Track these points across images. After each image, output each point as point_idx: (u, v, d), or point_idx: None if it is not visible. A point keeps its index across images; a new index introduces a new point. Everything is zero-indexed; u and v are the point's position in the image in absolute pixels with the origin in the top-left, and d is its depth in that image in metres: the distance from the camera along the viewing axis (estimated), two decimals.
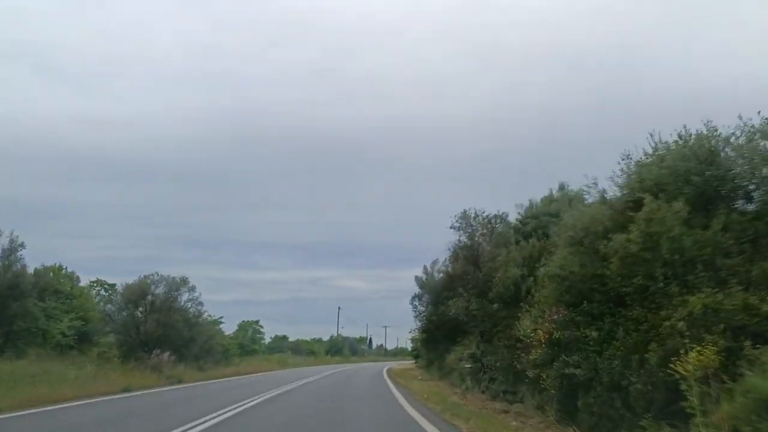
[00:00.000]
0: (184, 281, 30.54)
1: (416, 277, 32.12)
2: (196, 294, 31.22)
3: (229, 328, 53.38)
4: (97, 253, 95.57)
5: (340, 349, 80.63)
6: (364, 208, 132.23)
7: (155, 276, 30.00)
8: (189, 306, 31.03)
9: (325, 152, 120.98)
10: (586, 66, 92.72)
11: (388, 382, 28.87)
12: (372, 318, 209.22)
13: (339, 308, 75.83)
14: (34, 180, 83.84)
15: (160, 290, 30.23)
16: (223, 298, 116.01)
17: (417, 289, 31.90)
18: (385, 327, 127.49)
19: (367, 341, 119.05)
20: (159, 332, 28.21)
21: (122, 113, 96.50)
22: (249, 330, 63.60)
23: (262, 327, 66.49)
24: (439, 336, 28.08)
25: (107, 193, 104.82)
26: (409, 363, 53.61)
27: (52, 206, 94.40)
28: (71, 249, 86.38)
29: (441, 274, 28.60)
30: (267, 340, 69.90)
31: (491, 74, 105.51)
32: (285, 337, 72.49)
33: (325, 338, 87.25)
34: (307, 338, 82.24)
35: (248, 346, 55.03)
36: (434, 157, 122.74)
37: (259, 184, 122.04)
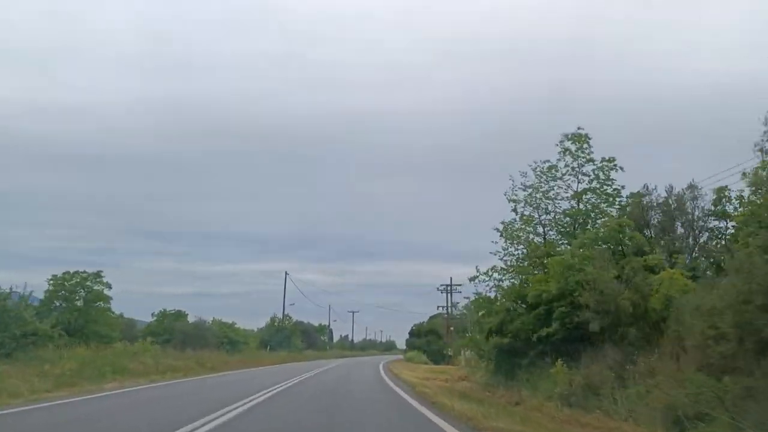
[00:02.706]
0: None
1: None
2: None
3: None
4: (46, 243, 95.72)
5: (286, 338, 61.69)
6: (323, 199, 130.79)
7: None
8: None
9: (282, 142, 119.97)
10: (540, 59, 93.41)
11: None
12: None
13: (286, 273, 59.94)
14: None
15: None
16: (180, 291, 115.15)
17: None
18: (353, 312, 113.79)
19: (328, 331, 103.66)
20: None
21: (70, 99, 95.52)
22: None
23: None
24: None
25: (56, 181, 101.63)
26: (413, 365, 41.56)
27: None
28: (18, 239, 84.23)
29: None
30: None
31: (449, 66, 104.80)
32: None
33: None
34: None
35: None
36: (393, 149, 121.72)
37: (215, 175, 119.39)
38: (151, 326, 43.23)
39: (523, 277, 17.98)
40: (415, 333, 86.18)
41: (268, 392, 16.64)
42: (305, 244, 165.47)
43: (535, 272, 17.94)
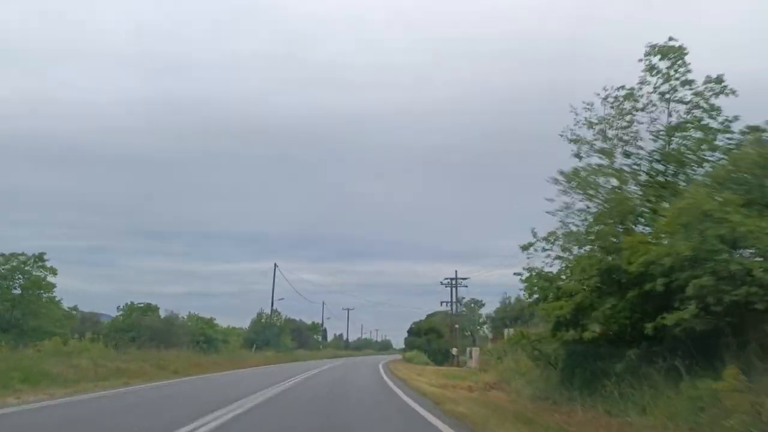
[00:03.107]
0: None
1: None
2: None
3: None
4: (44, 242, 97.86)
5: (275, 336, 55.15)
6: (320, 199, 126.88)
7: None
8: None
9: (280, 142, 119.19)
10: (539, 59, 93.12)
11: None
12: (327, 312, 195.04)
13: (275, 265, 53.79)
14: None
15: None
16: (175, 290, 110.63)
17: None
18: (348, 310, 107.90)
19: (321, 330, 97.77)
20: None
21: (64, 96, 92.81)
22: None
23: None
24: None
25: (54, 181, 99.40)
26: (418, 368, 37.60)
27: None
28: (14, 237, 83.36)
29: None
30: None
31: (446, 66, 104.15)
32: None
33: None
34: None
35: None
36: (391, 149, 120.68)
37: (213, 174, 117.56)
38: (116, 322, 37.33)
39: (606, 242, 12.02)
40: (415, 331, 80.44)
41: (221, 415, 10.73)
42: (302, 244, 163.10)
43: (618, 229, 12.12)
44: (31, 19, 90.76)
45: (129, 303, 36.79)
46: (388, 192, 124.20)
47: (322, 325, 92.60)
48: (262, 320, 51.14)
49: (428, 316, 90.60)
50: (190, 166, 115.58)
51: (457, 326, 57.79)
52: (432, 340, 77.51)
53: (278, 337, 51.33)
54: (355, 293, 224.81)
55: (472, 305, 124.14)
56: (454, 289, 57.92)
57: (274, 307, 53.95)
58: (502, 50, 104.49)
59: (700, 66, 14.08)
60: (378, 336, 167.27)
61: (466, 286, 57.43)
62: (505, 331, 35.42)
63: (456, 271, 57.78)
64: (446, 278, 57.82)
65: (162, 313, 38.30)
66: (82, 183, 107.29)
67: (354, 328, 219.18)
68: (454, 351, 57.42)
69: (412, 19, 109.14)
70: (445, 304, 58.92)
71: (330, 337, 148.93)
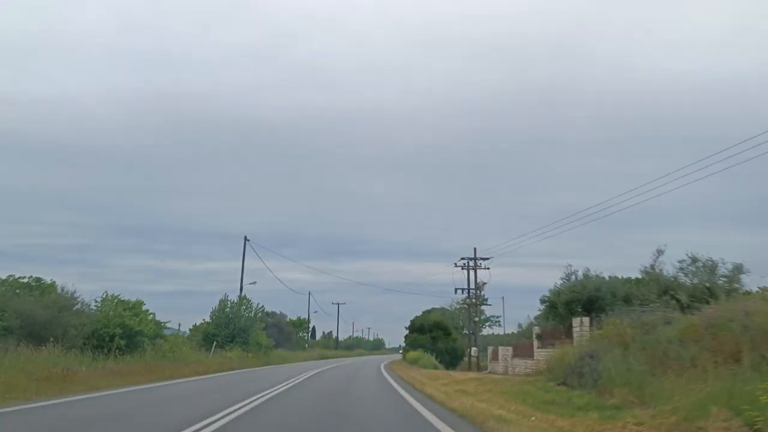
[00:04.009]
0: None
1: None
2: None
3: None
4: (26, 240, 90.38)
5: (242, 331, 39.60)
6: (305, 197, 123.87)
7: None
8: None
9: (263, 139, 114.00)
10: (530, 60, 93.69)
11: None
12: (320, 318, 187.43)
13: (245, 238, 40.79)
14: None
15: None
16: (161, 289, 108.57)
17: None
18: (338, 304, 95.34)
19: (307, 326, 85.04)
20: None
21: (46, 92, 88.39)
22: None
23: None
24: None
25: (34, 176, 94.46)
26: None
27: None
28: None
29: None
30: None
31: (433, 64, 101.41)
32: None
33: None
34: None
35: None
36: (376, 147, 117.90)
37: (196, 171, 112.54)
38: None
39: None
40: (417, 327, 67.99)
41: None
42: (287, 242, 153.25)
43: None
44: (7, 9, 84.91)
45: (9, 277, 24.26)
46: (376, 190, 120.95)
47: (308, 321, 79.69)
48: (226, 310, 38.72)
49: (424, 312, 78.21)
50: (174, 164, 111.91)
51: (477, 319, 45.53)
52: (438, 337, 65.26)
53: (245, 332, 38.79)
54: (344, 292, 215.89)
55: (473, 300, 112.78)
56: (471, 271, 45.67)
57: (244, 294, 41.46)
58: (489, 50, 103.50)
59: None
60: (370, 334, 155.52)
61: (488, 268, 45.21)
62: (577, 320, 23.46)
63: (475, 248, 45.58)
64: (462, 258, 45.59)
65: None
66: (60, 178, 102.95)
67: (345, 326, 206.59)
68: (474, 351, 45.22)
69: (400, 16, 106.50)
70: (461, 291, 46.58)
71: (318, 335, 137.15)
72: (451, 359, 64.23)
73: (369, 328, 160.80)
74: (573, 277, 25.69)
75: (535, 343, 30.57)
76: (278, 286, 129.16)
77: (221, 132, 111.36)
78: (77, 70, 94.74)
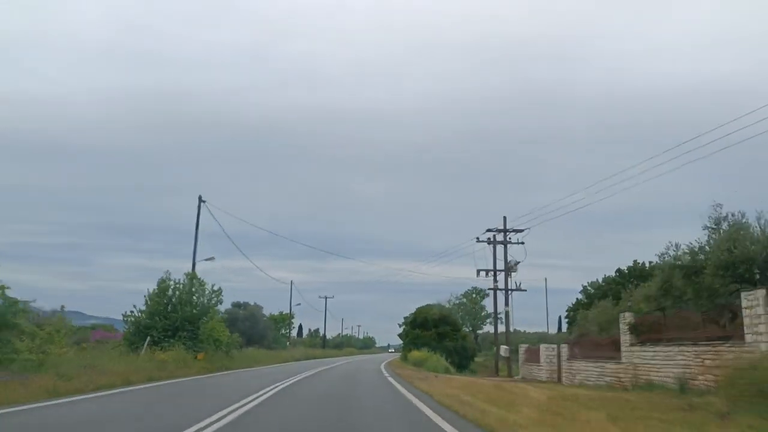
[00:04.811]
0: None
1: None
2: None
3: None
4: (13, 238, 78.06)
5: (188, 323, 27.64)
6: (292, 196, 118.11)
7: None
8: None
9: (251, 137, 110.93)
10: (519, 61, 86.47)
11: None
12: (307, 315, 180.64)
13: (199, 198, 30.09)
14: None
15: None
16: (148, 288, 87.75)
17: None
18: (325, 297, 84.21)
19: (290, 321, 73.93)
20: None
21: (38, 89, 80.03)
22: None
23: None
24: None
25: (21, 174, 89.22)
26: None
27: None
28: None
29: None
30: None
31: (419, 63, 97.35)
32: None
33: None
34: None
35: None
36: (363, 146, 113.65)
37: (184, 169, 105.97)
38: None
39: None
40: (420, 323, 56.89)
41: None
42: (276, 241, 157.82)
43: None
44: (3, 9, 76.78)
45: None
46: (365, 189, 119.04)
47: (290, 314, 68.28)
48: (168, 293, 27.56)
49: (418, 308, 67.35)
50: (164, 162, 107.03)
51: (507, 309, 34.77)
52: (445, 334, 54.45)
53: (195, 324, 27.74)
54: (333, 291, 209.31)
55: (473, 295, 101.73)
56: (500, 247, 35.02)
57: (194, 272, 30.33)
58: (478, 51, 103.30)
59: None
60: (360, 332, 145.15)
61: (522, 243, 34.51)
62: (754, 296, 12.96)
63: (504, 217, 34.82)
64: (488, 230, 34.85)
65: None
66: (49, 176, 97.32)
67: (335, 324, 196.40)
68: (504, 351, 34.45)
69: (390, 17, 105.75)
70: (485, 273, 35.75)
71: (306, 333, 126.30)
72: (461, 360, 53.40)
73: (359, 326, 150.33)
74: (724, 224, 14.88)
75: (626, 338, 19.85)
76: (264, 285, 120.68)
77: (212, 131, 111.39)
78: (68, 68, 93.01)
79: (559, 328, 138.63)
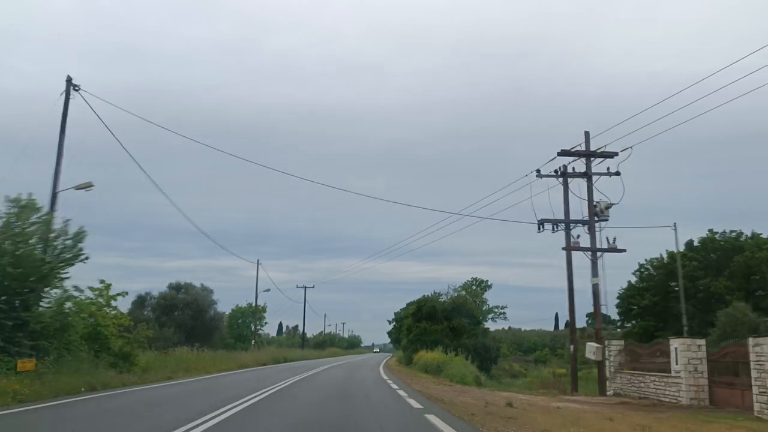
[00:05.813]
0: None
1: None
2: None
3: None
4: None
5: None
6: (278, 194, 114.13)
7: None
8: None
9: (233, 134, 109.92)
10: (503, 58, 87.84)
11: None
12: (286, 312, 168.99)
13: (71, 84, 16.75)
14: None
15: None
16: (132, 287, 71.79)
17: None
18: (305, 287, 70.14)
19: (260, 315, 59.57)
20: None
21: (9, 83, 78.69)
22: None
23: None
24: None
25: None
26: None
27: None
28: None
29: None
30: None
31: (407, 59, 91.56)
32: None
33: None
34: None
35: None
36: (347, 143, 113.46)
37: (166, 166, 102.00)
38: None
39: None
40: (426, 314, 42.84)
41: None
42: (261, 240, 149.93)
43: None
44: None
45: None
46: (350, 186, 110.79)
47: (259, 307, 53.68)
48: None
49: (408, 304, 53.61)
50: (144, 160, 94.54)
51: (596, 280, 21.00)
52: (461, 328, 40.93)
53: (24, 304, 13.88)
54: (318, 289, 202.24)
55: (474, 287, 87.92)
56: (583, 181, 21.58)
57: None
58: (462, 44, 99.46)
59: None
60: (344, 331, 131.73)
61: (618, 174, 20.97)
62: None
63: (587, 132, 21.22)
64: (562, 152, 21.20)
65: None
66: (30, 175, 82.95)
67: (317, 321, 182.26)
68: (594, 351, 20.62)
69: (373, 12, 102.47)
70: (550, 227, 22.08)
71: (284, 330, 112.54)
72: (482, 363, 40.01)
73: (344, 323, 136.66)
74: None
75: None
76: (251, 284, 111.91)
77: (190, 126, 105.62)
78: (42, 62, 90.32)
79: (556, 326, 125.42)
